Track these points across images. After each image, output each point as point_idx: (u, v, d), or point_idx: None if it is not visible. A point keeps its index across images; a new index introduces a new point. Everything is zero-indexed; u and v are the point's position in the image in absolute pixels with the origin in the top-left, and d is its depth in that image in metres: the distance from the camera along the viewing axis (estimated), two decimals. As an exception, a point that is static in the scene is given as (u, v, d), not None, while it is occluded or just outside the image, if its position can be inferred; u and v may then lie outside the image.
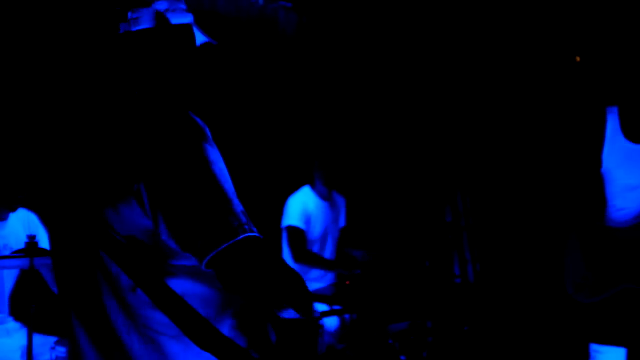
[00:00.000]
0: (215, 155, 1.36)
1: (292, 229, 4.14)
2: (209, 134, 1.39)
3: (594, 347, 2.90)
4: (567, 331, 3.08)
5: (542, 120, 5.13)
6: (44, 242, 2.63)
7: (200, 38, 1.58)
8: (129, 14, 1.46)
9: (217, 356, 1.38)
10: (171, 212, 1.33)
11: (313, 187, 4.26)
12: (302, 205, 4.18)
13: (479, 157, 5.57)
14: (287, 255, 4.15)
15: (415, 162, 5.61)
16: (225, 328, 1.45)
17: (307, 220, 4.18)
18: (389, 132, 5.50)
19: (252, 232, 1.34)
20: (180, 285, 1.40)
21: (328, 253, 4.29)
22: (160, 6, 1.49)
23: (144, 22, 1.47)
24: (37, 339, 2.94)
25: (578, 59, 5.08)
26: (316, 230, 4.22)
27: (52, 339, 3.01)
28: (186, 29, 1.52)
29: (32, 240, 2.63)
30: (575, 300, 2.91)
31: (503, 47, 5.28)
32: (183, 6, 1.54)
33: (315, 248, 4.23)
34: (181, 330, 1.37)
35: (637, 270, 2.80)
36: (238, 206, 1.35)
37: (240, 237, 1.31)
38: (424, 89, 5.56)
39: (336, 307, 3.74)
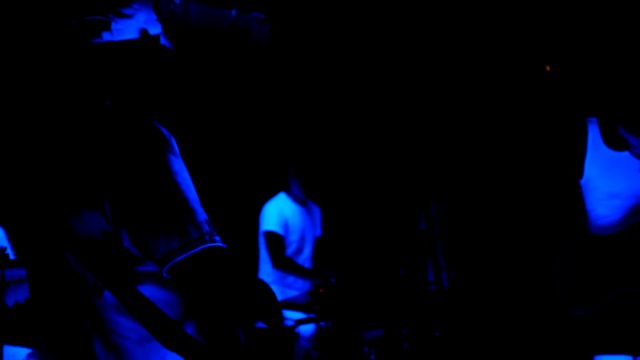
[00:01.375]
0: (178, 165, 1.37)
1: (270, 234, 4.15)
2: (174, 143, 1.40)
3: (598, 358, 2.90)
4: (571, 342, 3.09)
5: (515, 129, 5.20)
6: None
7: (161, 41, 1.60)
8: (112, 25, 1.48)
9: (184, 357, 1.39)
10: (132, 221, 1.34)
11: (288, 193, 4.28)
12: (278, 211, 4.19)
13: (452, 165, 5.63)
14: (266, 261, 4.15)
15: (389, 170, 5.66)
16: (189, 331, 1.46)
17: (285, 225, 4.19)
18: (363, 140, 5.54)
19: (214, 242, 1.34)
20: (145, 291, 1.41)
21: (306, 257, 4.31)
22: (141, 18, 1.52)
23: (128, 33, 1.49)
24: (9, 350, 2.92)
25: (548, 68, 5.17)
26: (294, 235, 4.24)
27: (24, 351, 2.99)
28: (157, 39, 1.55)
29: (2, 252, 2.63)
30: (570, 313, 2.92)
31: (476, 57, 5.35)
32: (155, 17, 1.56)
33: (293, 252, 4.24)
34: (149, 331, 1.38)
35: (627, 274, 2.83)
36: (201, 215, 1.36)
37: (199, 248, 1.32)
38: (398, 97, 5.61)
39: (311, 315, 3.76)
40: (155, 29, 1.55)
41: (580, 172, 2.93)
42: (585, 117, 2.95)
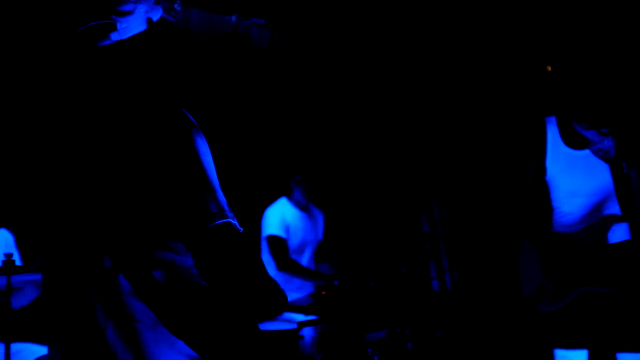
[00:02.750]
0: (204, 148, 1.47)
1: (273, 238, 4.18)
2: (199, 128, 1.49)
3: (559, 352, 2.97)
4: (538, 338, 3.14)
5: (516, 130, 5.22)
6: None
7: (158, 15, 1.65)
8: (118, 25, 1.53)
9: (190, 345, 1.43)
10: (158, 196, 1.41)
11: (290, 198, 4.30)
12: (280, 215, 4.21)
13: (454, 166, 5.65)
14: (269, 265, 4.17)
15: (391, 172, 5.68)
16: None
17: (287, 230, 4.22)
18: (365, 142, 5.57)
19: (233, 220, 1.43)
20: (160, 276, 1.46)
21: (306, 262, 4.33)
22: (142, 9, 1.57)
23: (134, 28, 1.55)
24: (18, 346, 2.96)
25: (549, 68, 5.19)
26: (295, 240, 4.25)
27: (35, 348, 3.03)
28: (162, 23, 1.61)
29: (9, 258, 2.67)
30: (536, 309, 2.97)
31: (476, 59, 5.38)
32: (153, 0, 1.61)
33: (294, 258, 4.26)
34: (157, 317, 1.43)
35: (591, 273, 2.87)
36: (221, 195, 1.44)
37: (219, 222, 1.40)
38: (400, 99, 5.64)
39: (314, 317, 3.78)
40: (157, 14, 1.60)
41: (542, 171, 2.97)
42: (544, 116, 2.99)
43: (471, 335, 5.00)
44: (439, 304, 5.20)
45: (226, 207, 1.43)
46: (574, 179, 2.92)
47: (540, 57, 4.95)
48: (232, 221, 1.42)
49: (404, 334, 4.20)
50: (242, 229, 1.44)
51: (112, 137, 1.48)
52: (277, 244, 4.16)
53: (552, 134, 2.95)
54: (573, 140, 2.92)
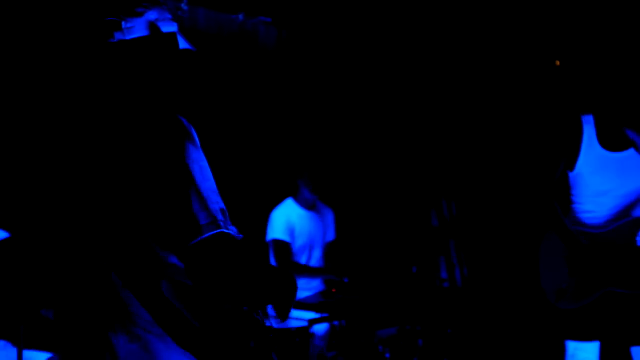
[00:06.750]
0: (196, 155, 1.43)
1: (277, 242, 4.17)
2: (194, 134, 1.46)
3: (571, 344, 2.97)
4: (549, 330, 3.13)
5: (526, 126, 5.20)
6: None
7: (182, 44, 1.66)
8: (123, 24, 1.54)
9: (196, 357, 1.43)
10: (147, 208, 1.40)
11: (296, 198, 4.29)
12: (285, 218, 4.20)
13: (463, 162, 5.64)
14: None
15: (400, 167, 5.67)
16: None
17: (292, 232, 4.21)
18: (374, 139, 5.56)
19: (227, 229, 1.39)
20: (166, 286, 1.46)
21: (315, 263, 4.32)
22: (151, 16, 1.58)
23: (138, 30, 1.56)
24: (28, 354, 2.97)
25: (558, 63, 5.17)
26: (301, 240, 4.25)
27: (43, 355, 3.04)
28: (173, 37, 1.61)
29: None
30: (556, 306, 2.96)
31: (486, 55, 5.36)
32: (169, 15, 1.63)
33: (302, 258, 4.26)
34: (163, 329, 1.43)
35: (618, 273, 2.87)
36: (214, 203, 1.41)
37: (209, 234, 1.37)
38: (408, 96, 5.63)
39: (324, 314, 3.78)
40: (168, 28, 1.60)
41: (571, 169, 2.96)
42: (580, 114, 2.98)
43: (482, 331, 5.00)
44: (449, 300, 5.19)
45: (219, 217, 1.39)
46: (605, 180, 2.92)
47: (574, 55, 4.91)
48: (227, 230, 1.39)
49: (414, 330, 4.20)
50: (240, 235, 1.42)
51: (106, 141, 1.48)
52: (281, 248, 4.16)
53: (588, 133, 2.94)
54: (610, 141, 2.92)
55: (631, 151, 2.91)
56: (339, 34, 5.22)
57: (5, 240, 3.18)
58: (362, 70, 5.40)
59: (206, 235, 1.37)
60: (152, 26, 1.57)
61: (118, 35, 1.54)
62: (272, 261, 4.19)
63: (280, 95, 5.02)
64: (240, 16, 4.79)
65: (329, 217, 4.45)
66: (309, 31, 5.15)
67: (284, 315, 1.47)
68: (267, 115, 4.94)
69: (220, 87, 4.64)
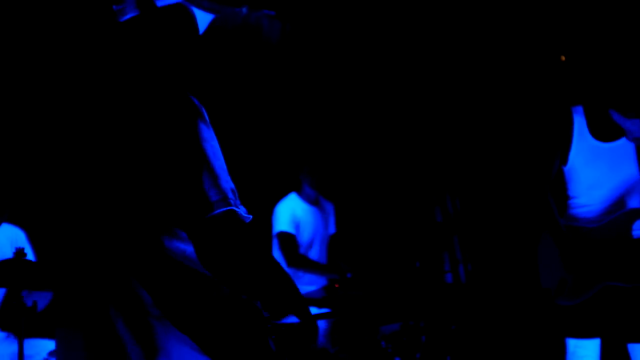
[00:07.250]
0: (208, 134, 1.43)
1: (283, 235, 4.17)
2: (204, 113, 1.45)
3: (571, 342, 2.94)
4: (551, 328, 3.12)
5: (530, 122, 5.18)
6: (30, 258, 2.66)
7: (200, 17, 1.62)
8: (114, 7, 1.51)
9: (194, 340, 1.42)
10: (159, 184, 1.39)
11: (300, 193, 4.29)
12: (290, 211, 4.21)
13: (468, 158, 5.61)
14: (280, 261, 4.17)
15: (404, 163, 5.65)
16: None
17: (297, 225, 4.21)
18: (378, 134, 5.54)
19: (237, 207, 1.38)
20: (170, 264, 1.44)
21: (316, 258, 4.32)
22: None
23: (130, 11, 1.52)
24: (30, 343, 2.97)
25: (563, 58, 5.14)
26: (305, 235, 4.25)
27: (45, 344, 3.04)
28: (175, 9, 1.57)
29: (21, 253, 2.66)
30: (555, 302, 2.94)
31: (489, 50, 5.33)
32: None
33: (305, 252, 4.25)
34: (161, 311, 1.42)
35: (615, 267, 2.84)
36: (225, 182, 1.40)
37: (220, 210, 1.36)
38: (413, 91, 5.61)
39: (327, 310, 3.77)
40: (163, 1, 1.56)
41: (564, 162, 2.93)
42: (570, 106, 2.94)
43: (485, 328, 4.98)
44: (453, 296, 5.17)
45: (230, 195, 1.38)
46: (597, 171, 2.88)
47: (566, 46, 4.89)
48: (237, 209, 1.38)
49: (418, 326, 4.18)
50: (250, 216, 1.40)
51: (118, 125, 1.46)
52: (287, 240, 4.16)
53: (578, 124, 2.90)
54: (601, 131, 2.88)
55: (623, 140, 2.86)
56: (343, 28, 5.19)
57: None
58: (366, 65, 5.38)
59: (217, 211, 1.35)
60: (144, 3, 1.53)
61: (115, 20, 1.51)
62: (278, 254, 4.18)
63: (283, 89, 5.00)
64: (244, 9, 4.76)
65: (330, 210, 4.45)
66: (313, 25, 5.12)
67: (276, 315, 1.45)
68: (270, 109, 4.92)
69: (224, 81, 4.62)
